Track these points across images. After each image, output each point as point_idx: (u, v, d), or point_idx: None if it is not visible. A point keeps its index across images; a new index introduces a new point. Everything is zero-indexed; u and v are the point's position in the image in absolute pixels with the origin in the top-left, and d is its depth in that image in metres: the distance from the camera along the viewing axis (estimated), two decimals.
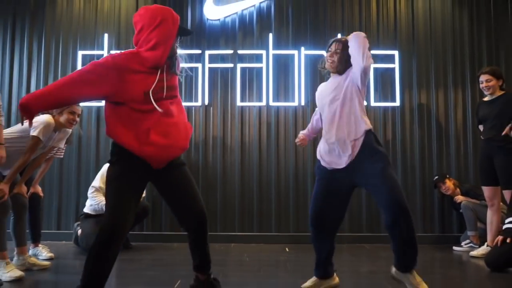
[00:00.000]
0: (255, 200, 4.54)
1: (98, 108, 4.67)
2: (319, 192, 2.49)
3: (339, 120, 2.41)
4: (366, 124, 2.40)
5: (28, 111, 1.97)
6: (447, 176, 4.35)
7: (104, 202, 3.86)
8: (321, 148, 2.51)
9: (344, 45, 2.52)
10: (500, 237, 3.24)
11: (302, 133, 2.83)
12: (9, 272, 2.78)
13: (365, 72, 2.41)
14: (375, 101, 4.65)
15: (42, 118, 3.01)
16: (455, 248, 4.13)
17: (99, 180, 4.05)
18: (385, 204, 2.28)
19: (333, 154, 2.43)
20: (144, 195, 4.21)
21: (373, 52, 4.63)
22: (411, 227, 2.26)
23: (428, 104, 4.67)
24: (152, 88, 2.04)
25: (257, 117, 4.62)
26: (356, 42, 2.42)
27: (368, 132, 2.39)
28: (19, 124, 3.00)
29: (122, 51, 2.13)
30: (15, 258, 3.07)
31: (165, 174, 2.14)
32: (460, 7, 4.79)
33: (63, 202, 4.59)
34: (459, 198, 4.23)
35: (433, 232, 4.53)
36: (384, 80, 4.68)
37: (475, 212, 4.08)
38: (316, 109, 2.75)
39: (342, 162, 2.40)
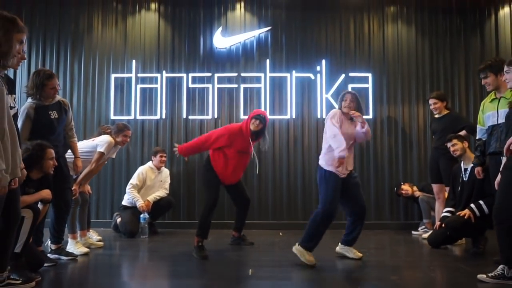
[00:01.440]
0: (255, 195, 5.63)
1: (128, 121, 5.75)
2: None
3: (349, 156, 3.57)
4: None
5: (183, 153, 4.16)
6: (401, 183, 5.45)
7: (137, 199, 5.00)
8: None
9: (355, 98, 3.66)
10: (438, 223, 4.33)
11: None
12: (79, 248, 3.90)
13: None
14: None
15: (106, 138, 4.16)
16: (413, 232, 5.24)
17: (136, 179, 5.17)
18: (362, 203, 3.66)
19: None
20: (168, 192, 5.32)
21: (350, 74, 5.73)
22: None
23: (396, 116, 5.75)
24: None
25: None
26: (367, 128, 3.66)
27: None
28: (87, 141, 4.14)
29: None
30: (78, 239, 4.19)
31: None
32: (422, 36, 5.85)
33: (101, 197, 5.70)
34: (417, 193, 5.33)
35: (398, 219, 5.63)
36: (360, 97, 5.72)
37: (429, 204, 5.18)
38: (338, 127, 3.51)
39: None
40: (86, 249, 3.93)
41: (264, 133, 4.10)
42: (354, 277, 3.27)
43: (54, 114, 3.56)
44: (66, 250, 3.75)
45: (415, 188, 5.38)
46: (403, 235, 5.18)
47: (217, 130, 4.24)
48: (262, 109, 5.71)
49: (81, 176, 4.04)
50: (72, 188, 3.91)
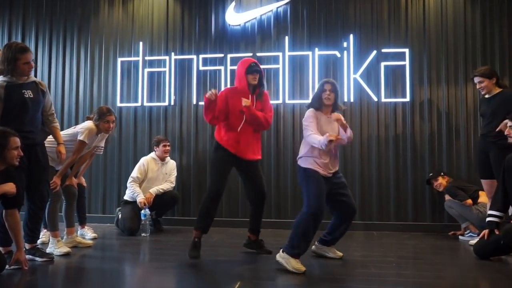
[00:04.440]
0: (272, 188, 5.00)
1: (135, 108, 5.32)
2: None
3: (333, 157, 3.22)
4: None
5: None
6: (442, 173, 4.56)
7: (137, 193, 4.53)
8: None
9: (334, 86, 3.26)
10: (486, 230, 3.47)
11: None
12: (59, 248, 3.46)
13: None
14: (385, 97, 4.90)
15: (86, 125, 3.68)
16: (461, 237, 4.37)
17: (136, 171, 4.70)
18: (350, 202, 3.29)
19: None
20: (173, 185, 4.82)
21: (384, 50, 4.91)
22: None
23: (439, 99, 4.86)
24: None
25: (274, 114, 5.03)
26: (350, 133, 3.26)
27: None
28: (70, 128, 3.70)
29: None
30: (64, 237, 3.77)
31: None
32: (472, 3, 4.88)
33: (107, 190, 5.31)
34: (446, 196, 4.46)
35: (441, 220, 4.76)
36: (394, 76, 4.92)
37: (456, 210, 4.30)
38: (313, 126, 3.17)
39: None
40: (67, 249, 3.48)
41: (262, 82, 3.50)
42: None
43: (28, 93, 3.12)
44: (43, 250, 3.33)
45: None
46: (447, 240, 4.33)
47: None
48: (281, 92, 5.06)
49: (62, 168, 3.60)
50: (51, 181, 3.49)
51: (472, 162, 4.75)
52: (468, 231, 4.31)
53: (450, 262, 3.43)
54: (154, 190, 4.63)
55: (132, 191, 4.61)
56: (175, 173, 4.90)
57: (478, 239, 4.01)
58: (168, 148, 4.79)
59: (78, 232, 4.18)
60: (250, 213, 3.67)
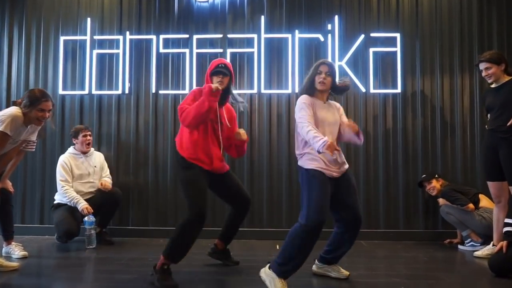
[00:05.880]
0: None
1: (81, 97, 4.44)
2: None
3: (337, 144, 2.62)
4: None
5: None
6: (436, 175, 4.03)
7: (76, 199, 3.73)
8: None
9: (331, 68, 2.67)
10: (504, 242, 2.94)
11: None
12: None
13: None
14: (374, 87, 4.32)
15: (9, 112, 2.81)
16: (460, 247, 3.85)
17: (62, 172, 3.92)
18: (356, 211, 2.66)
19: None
20: (111, 183, 4.08)
21: (373, 34, 4.33)
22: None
23: (433, 90, 4.33)
24: None
25: (248, 105, 4.34)
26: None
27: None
28: None
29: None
30: None
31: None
32: None
33: (46, 195, 4.39)
34: (439, 201, 3.95)
35: (435, 227, 4.23)
36: (385, 64, 4.35)
37: (455, 216, 3.78)
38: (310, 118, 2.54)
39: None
40: None
41: (230, 89, 2.99)
42: None
43: None
44: None
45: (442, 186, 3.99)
46: (447, 250, 3.79)
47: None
48: (256, 80, 4.36)
49: None
50: None
51: (468, 161, 4.25)
52: (469, 240, 3.79)
53: (466, 282, 2.84)
54: (109, 181, 4.03)
55: (70, 198, 3.79)
56: (107, 167, 4.19)
57: (482, 248, 3.54)
58: (89, 138, 4.03)
59: (3, 250, 3.31)
60: (227, 218, 3.11)
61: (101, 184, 3.94)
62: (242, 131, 2.96)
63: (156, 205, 4.33)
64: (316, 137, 2.37)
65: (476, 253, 3.50)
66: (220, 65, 2.89)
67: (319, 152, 2.37)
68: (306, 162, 2.56)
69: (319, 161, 2.52)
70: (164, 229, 4.19)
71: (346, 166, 2.68)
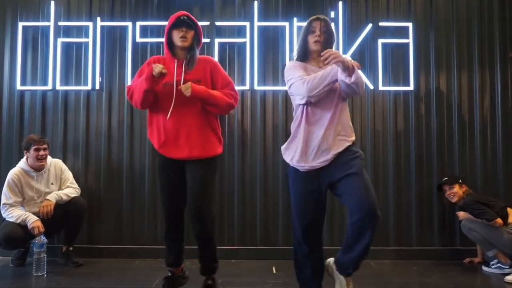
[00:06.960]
0: (235, 202, 3.72)
1: (44, 93, 3.81)
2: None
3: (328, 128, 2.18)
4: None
5: None
6: (460, 181, 3.51)
7: (25, 216, 3.15)
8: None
9: (327, 25, 2.24)
10: None
11: None
12: None
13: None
14: (383, 84, 3.80)
15: None
16: (485, 268, 3.33)
17: (8, 194, 3.26)
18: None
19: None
20: (79, 190, 3.50)
21: (382, 24, 3.82)
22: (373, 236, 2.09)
23: (449, 87, 3.82)
24: None
25: (239, 103, 3.75)
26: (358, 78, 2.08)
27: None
28: None
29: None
30: None
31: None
32: None
33: None
34: (459, 214, 3.43)
35: (453, 244, 3.72)
36: (395, 58, 3.83)
37: (480, 233, 3.27)
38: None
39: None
40: None
41: (195, 51, 2.47)
42: None
43: None
44: None
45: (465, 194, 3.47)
46: (470, 273, 3.28)
47: None
48: (248, 75, 3.79)
49: None
50: None
51: (489, 166, 3.76)
52: (495, 261, 3.28)
53: None
54: (53, 196, 3.26)
55: (16, 217, 3.17)
56: (69, 176, 3.50)
57: None
58: (42, 153, 3.31)
59: None
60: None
61: (39, 211, 3.22)
62: (183, 87, 2.32)
63: (131, 221, 3.72)
64: (325, 72, 2.08)
65: (508, 278, 2.99)
66: (182, 17, 2.42)
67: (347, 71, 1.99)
68: (288, 156, 2.26)
69: (293, 157, 2.22)
70: (140, 248, 3.60)
71: (339, 149, 2.20)
